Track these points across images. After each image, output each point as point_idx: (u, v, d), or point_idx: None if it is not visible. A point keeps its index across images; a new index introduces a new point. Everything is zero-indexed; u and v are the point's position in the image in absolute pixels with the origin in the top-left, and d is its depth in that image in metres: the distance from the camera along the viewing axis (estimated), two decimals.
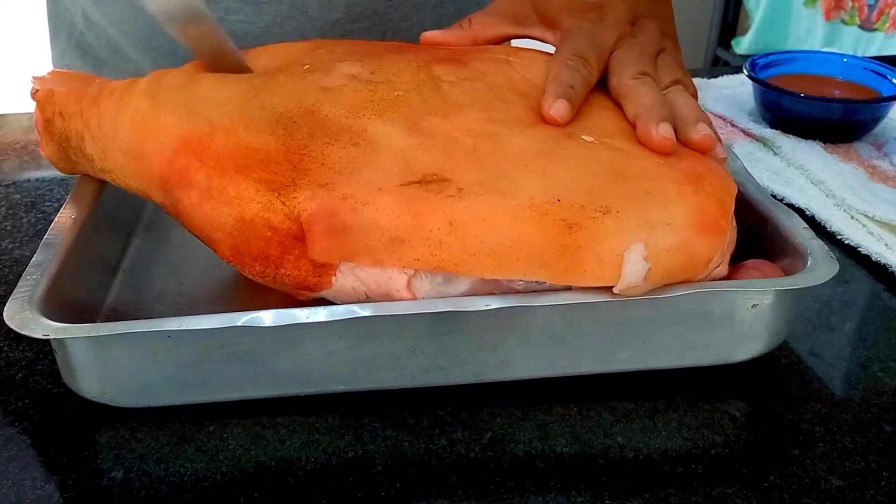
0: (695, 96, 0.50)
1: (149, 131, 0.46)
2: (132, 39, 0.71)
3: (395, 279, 0.41)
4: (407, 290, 0.41)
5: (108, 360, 0.41)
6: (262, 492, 0.39)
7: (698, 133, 0.45)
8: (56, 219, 0.47)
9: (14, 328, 0.39)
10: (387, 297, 0.42)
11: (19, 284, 0.41)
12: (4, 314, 0.40)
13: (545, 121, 0.45)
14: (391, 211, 0.40)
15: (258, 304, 0.41)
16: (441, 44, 0.54)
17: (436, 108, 0.44)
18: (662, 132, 0.44)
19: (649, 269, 0.40)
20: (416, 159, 0.42)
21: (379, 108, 0.44)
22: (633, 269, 0.40)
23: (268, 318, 0.39)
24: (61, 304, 0.43)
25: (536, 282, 0.41)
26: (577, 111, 0.46)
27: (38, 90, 0.51)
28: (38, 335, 0.39)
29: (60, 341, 0.40)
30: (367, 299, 0.42)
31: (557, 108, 0.45)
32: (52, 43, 0.79)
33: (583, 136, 0.44)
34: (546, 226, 0.40)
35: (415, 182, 0.41)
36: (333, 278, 0.42)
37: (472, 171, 0.41)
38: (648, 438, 0.42)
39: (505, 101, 0.46)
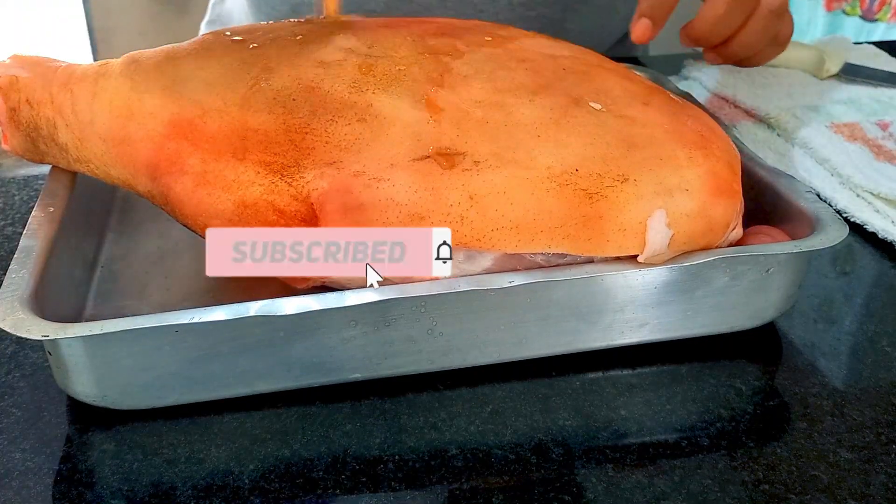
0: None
1: (132, 116, 0.43)
2: None
3: None
4: None
5: (108, 360, 0.38)
6: (256, 465, 0.38)
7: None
8: (33, 213, 0.44)
9: (8, 330, 0.36)
10: (406, 278, 0.40)
11: (5, 282, 0.38)
12: None
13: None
14: (408, 186, 0.39)
15: (253, 294, 0.39)
16: None
17: (440, 81, 0.42)
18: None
19: (672, 236, 0.40)
20: (426, 133, 0.40)
21: (382, 82, 0.42)
22: (656, 237, 0.39)
23: (286, 305, 0.37)
24: (46, 303, 0.39)
25: (558, 255, 0.40)
26: (583, 75, 0.45)
27: None
28: (35, 336, 0.36)
29: (54, 342, 0.37)
30: (382, 281, 0.40)
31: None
32: None
33: (591, 104, 0.43)
34: (566, 196, 0.39)
35: (427, 156, 0.39)
36: None
37: (486, 144, 0.40)
38: (652, 411, 0.41)
39: (506, 68, 0.44)
